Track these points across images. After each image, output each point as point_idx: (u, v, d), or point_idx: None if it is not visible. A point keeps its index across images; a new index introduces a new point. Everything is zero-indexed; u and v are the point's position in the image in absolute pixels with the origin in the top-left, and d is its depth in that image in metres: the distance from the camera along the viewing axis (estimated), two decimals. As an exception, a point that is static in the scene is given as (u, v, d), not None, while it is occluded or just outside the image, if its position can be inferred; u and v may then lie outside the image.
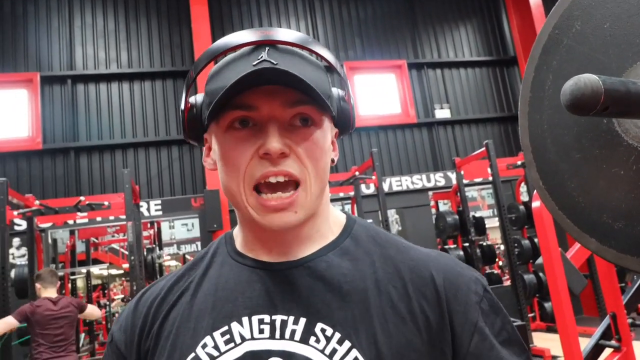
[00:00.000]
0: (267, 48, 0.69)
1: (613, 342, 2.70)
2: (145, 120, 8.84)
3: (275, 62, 0.66)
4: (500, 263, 11.37)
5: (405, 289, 0.70)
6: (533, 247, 7.70)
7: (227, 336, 0.68)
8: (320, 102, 0.66)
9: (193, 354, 0.68)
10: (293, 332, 0.67)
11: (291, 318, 0.68)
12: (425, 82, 10.31)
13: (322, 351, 0.65)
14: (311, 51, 0.72)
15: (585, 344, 2.72)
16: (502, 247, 8.70)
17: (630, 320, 2.78)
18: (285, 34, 0.71)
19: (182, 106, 0.77)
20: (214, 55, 0.72)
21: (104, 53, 8.95)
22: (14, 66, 8.48)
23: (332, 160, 0.77)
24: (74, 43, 8.83)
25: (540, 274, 7.38)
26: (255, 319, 0.69)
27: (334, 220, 0.79)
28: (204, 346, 0.68)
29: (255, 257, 0.75)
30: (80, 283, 9.72)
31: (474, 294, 0.70)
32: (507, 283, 8.67)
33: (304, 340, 0.66)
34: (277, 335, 0.67)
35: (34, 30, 8.69)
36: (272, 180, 0.67)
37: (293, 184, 0.68)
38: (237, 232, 0.80)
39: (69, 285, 8.39)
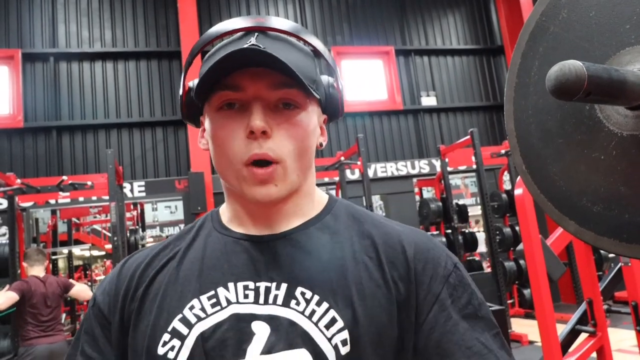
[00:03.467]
0: (256, 34, 0.73)
1: (589, 327, 2.77)
2: (129, 100, 8.74)
3: (263, 47, 0.69)
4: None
5: (379, 260, 0.74)
6: (514, 235, 7.81)
7: (214, 300, 0.72)
8: (303, 86, 0.69)
9: (180, 315, 0.71)
10: (275, 296, 0.71)
11: (273, 284, 0.72)
12: (412, 69, 10.33)
13: (302, 312, 0.70)
14: (300, 38, 0.76)
15: (561, 330, 2.79)
16: (484, 234, 8.82)
17: (605, 307, 2.86)
18: (276, 21, 0.75)
19: (181, 90, 0.81)
20: (207, 41, 0.76)
21: (87, 31, 8.80)
22: (-6, 42, 8.32)
23: (320, 145, 0.81)
24: (57, 20, 8.66)
25: (521, 262, 7.51)
26: (240, 285, 0.73)
27: (317, 199, 0.83)
28: (192, 308, 0.72)
29: (240, 231, 0.79)
30: (61, 263, 9.65)
31: (442, 268, 0.74)
32: (488, 270, 8.80)
33: (286, 303, 0.70)
34: (261, 300, 0.71)
35: (16, 6, 8.50)
36: (256, 159, 0.71)
37: (272, 162, 0.72)
38: (223, 209, 0.84)
39: (50, 265, 8.33)
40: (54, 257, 8.66)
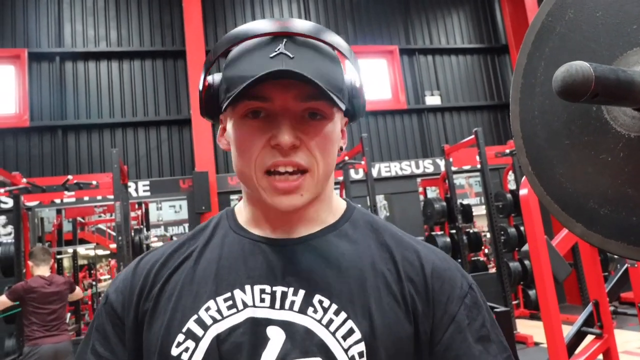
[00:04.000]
0: (284, 40, 0.71)
1: (595, 329, 2.76)
2: (134, 100, 8.76)
3: (291, 55, 0.69)
4: (486, 250, 11.48)
5: (398, 273, 0.73)
6: (519, 235, 7.78)
7: (230, 302, 0.71)
8: (332, 101, 0.68)
9: (196, 316, 0.70)
10: (292, 302, 0.70)
11: (291, 289, 0.71)
12: (416, 68, 10.30)
13: (320, 321, 0.68)
14: (327, 43, 0.75)
15: (567, 331, 2.78)
16: (489, 234, 8.78)
17: (612, 308, 2.84)
18: (302, 25, 0.74)
19: (201, 85, 0.80)
20: (233, 42, 0.74)
21: (93, 31, 8.82)
22: (0, 42, 8.34)
23: (341, 148, 0.80)
24: (63, 20, 8.69)
25: (525, 262, 7.48)
26: (257, 288, 0.72)
27: (335, 205, 0.82)
28: (207, 309, 0.71)
29: (258, 233, 0.78)
30: (66, 263, 9.68)
31: (458, 289, 0.73)
32: (493, 270, 8.77)
33: (302, 310, 0.69)
34: (277, 305, 0.70)
35: (22, 6, 8.53)
36: (282, 169, 0.70)
37: (300, 171, 0.71)
38: (239, 209, 0.83)
39: (55, 265, 8.36)
40: (59, 256, 8.69)
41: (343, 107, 0.72)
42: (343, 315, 0.69)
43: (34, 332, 4.20)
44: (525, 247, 2.83)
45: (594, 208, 0.75)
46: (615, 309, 2.92)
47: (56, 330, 4.29)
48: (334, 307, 0.69)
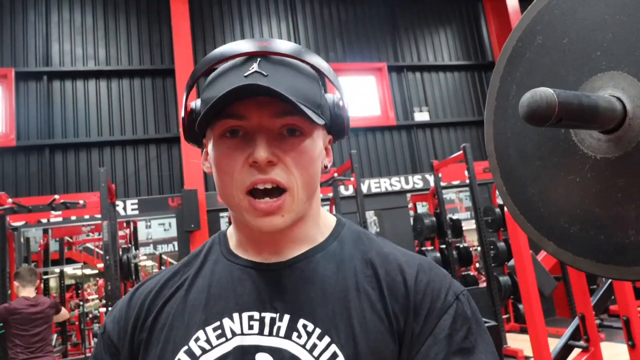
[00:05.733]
0: (259, 59, 0.72)
1: (581, 343, 2.77)
2: (122, 118, 8.74)
3: (265, 74, 0.70)
4: (477, 265, 11.50)
5: (381, 291, 0.73)
6: (508, 249, 7.80)
7: (219, 331, 0.72)
8: (306, 115, 0.68)
9: (186, 347, 0.71)
10: (278, 328, 0.71)
11: (277, 315, 0.72)
12: (404, 85, 10.41)
13: (304, 346, 0.69)
14: (304, 61, 0.75)
15: (555, 345, 2.79)
16: (479, 249, 8.81)
17: (598, 321, 2.86)
18: (278, 45, 0.74)
19: (183, 111, 0.80)
20: (210, 64, 0.76)
21: (81, 50, 8.83)
22: (-12, 61, 8.33)
23: (325, 167, 0.80)
24: (51, 39, 8.69)
25: (515, 276, 7.49)
26: (245, 315, 0.73)
27: (323, 222, 0.82)
28: (197, 340, 0.71)
29: (247, 258, 0.79)
30: (53, 283, 9.56)
31: (440, 301, 0.71)
32: (484, 285, 8.78)
33: (288, 335, 0.70)
34: (266, 331, 0.71)
35: (9, 25, 8.53)
36: (260, 187, 0.71)
37: (280, 190, 0.72)
38: (231, 233, 0.84)
39: (42, 285, 8.25)
40: (45, 276, 8.59)
41: (320, 121, 0.72)
42: (327, 339, 0.69)
43: (18, 354, 4.15)
44: (512, 262, 2.85)
45: (564, 227, 0.77)
46: (601, 322, 2.94)
47: (40, 352, 4.24)
48: (318, 331, 0.69)
